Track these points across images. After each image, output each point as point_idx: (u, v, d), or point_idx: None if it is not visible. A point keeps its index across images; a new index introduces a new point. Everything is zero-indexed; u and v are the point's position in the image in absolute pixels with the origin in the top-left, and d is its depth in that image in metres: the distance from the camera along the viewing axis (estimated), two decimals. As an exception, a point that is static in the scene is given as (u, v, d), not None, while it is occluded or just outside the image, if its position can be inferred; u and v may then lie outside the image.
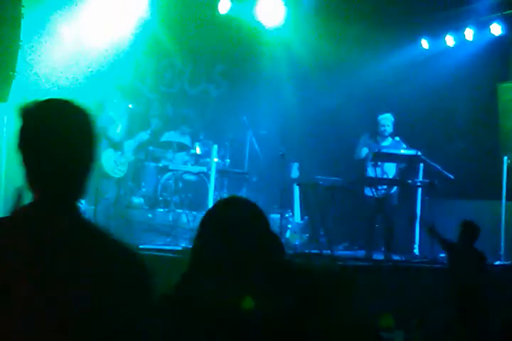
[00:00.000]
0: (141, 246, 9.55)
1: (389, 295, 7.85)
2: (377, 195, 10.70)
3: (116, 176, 11.12)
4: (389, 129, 11.19)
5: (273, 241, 3.14)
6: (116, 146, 11.07)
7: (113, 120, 11.07)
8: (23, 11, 8.50)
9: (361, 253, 10.58)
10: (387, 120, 11.20)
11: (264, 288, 2.94)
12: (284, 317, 2.92)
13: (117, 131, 11.11)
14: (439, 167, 10.72)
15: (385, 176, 10.86)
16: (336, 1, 12.33)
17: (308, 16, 12.31)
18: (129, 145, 11.37)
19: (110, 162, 10.94)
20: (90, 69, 11.13)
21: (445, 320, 4.88)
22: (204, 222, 3.13)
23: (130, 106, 11.41)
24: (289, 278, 3.09)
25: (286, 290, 3.01)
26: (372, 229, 10.64)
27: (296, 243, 11.03)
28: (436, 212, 10.64)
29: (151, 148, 11.81)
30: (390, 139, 11.20)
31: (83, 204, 10.97)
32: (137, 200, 11.58)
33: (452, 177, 10.71)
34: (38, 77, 10.81)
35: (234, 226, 3.03)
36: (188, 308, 2.90)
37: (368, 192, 10.91)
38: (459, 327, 4.78)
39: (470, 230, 8.09)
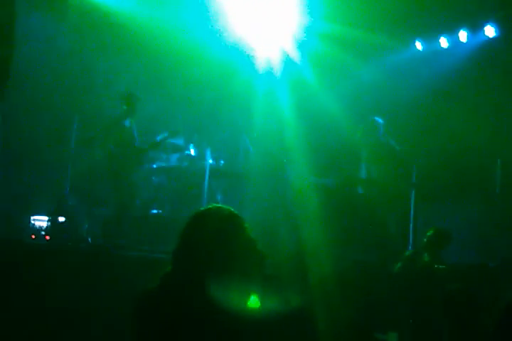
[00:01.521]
0: (135, 247, 9.59)
1: (383, 296, 7.84)
2: (370, 195, 10.71)
3: None
4: (381, 128, 11.22)
5: (251, 251, 3.15)
6: None
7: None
8: (17, 10, 8.47)
9: (355, 254, 10.57)
10: (376, 121, 11.24)
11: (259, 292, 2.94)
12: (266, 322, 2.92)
13: None
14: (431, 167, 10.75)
15: (377, 177, 10.87)
16: (330, 2, 12.33)
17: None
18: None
19: None
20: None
21: (439, 321, 4.89)
22: (184, 233, 3.26)
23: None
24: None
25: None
26: (365, 230, 10.64)
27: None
28: (430, 214, 10.65)
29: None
30: (381, 140, 11.21)
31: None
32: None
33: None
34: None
35: (209, 239, 3.11)
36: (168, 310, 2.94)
37: (361, 192, 10.93)
38: (451, 328, 4.79)
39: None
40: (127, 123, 10.31)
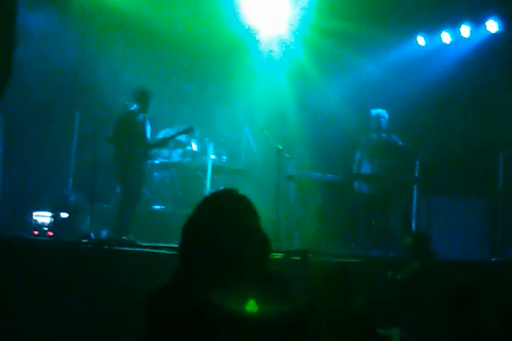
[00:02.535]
0: (138, 243, 9.59)
1: (385, 291, 7.85)
2: (372, 191, 10.73)
3: None
4: (384, 124, 11.22)
5: (261, 240, 3.06)
6: None
7: None
8: (19, 8, 8.48)
9: (357, 250, 10.58)
10: (379, 116, 11.23)
11: (252, 291, 2.90)
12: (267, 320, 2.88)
13: None
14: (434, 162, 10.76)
15: (380, 172, 10.88)
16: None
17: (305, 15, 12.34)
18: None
19: None
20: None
21: (442, 317, 4.89)
22: (192, 218, 3.03)
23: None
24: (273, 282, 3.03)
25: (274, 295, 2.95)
26: (368, 226, 10.65)
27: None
28: (433, 209, 10.65)
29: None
30: (384, 136, 11.22)
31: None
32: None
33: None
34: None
35: (222, 223, 2.94)
36: (177, 308, 2.89)
37: (363, 188, 10.94)
38: (454, 324, 4.79)
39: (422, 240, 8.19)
40: (140, 118, 10.33)
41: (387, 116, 11.24)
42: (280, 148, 10.40)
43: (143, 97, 10.36)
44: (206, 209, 3.01)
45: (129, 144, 10.13)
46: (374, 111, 11.30)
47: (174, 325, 2.85)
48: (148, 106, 10.39)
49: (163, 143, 10.87)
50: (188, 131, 10.81)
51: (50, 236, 10.39)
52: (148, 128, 10.44)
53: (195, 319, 2.82)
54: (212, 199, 3.08)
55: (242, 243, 2.93)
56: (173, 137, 10.84)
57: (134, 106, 10.34)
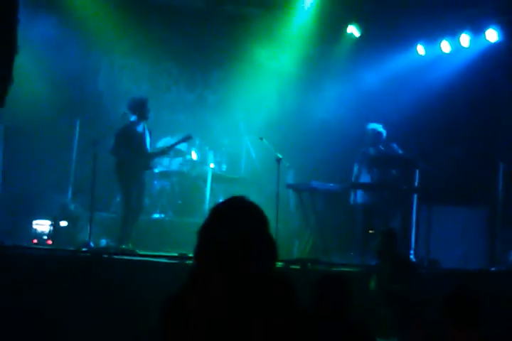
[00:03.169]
0: (138, 251, 9.58)
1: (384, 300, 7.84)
2: (371, 200, 10.73)
3: None
4: (380, 138, 11.24)
5: (271, 247, 3.11)
6: None
7: None
8: (19, 15, 8.49)
9: (356, 259, 10.56)
10: (374, 131, 11.25)
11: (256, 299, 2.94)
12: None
13: None
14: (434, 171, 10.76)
15: (380, 182, 10.88)
16: (332, 5, 12.37)
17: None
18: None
19: None
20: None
21: (441, 323, 4.87)
22: (205, 225, 3.10)
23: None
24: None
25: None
26: (366, 235, 10.64)
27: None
28: (433, 218, 10.64)
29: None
30: (382, 148, 11.23)
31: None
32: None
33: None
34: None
35: (232, 229, 2.99)
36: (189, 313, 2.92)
37: (363, 197, 10.94)
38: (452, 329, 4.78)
39: (389, 237, 8.11)
40: (140, 128, 10.33)
41: (383, 130, 11.24)
42: (280, 156, 10.41)
43: (140, 106, 10.35)
44: (218, 216, 3.07)
45: (130, 154, 10.13)
46: (369, 126, 11.31)
47: (190, 332, 2.90)
48: (147, 114, 10.38)
49: (164, 152, 10.85)
50: (187, 138, 10.80)
51: (49, 244, 10.38)
52: (148, 138, 10.44)
53: (211, 323, 2.88)
54: (224, 206, 3.14)
55: (252, 249, 2.99)
56: (173, 146, 10.83)
57: (133, 117, 10.34)
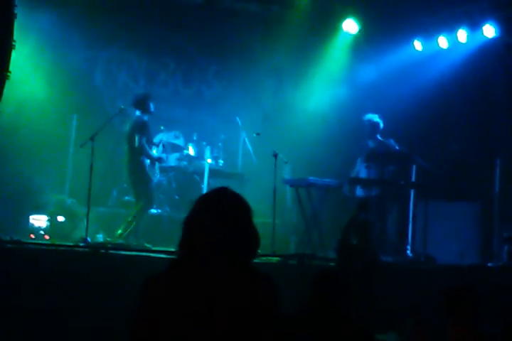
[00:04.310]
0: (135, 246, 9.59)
1: (383, 296, 7.85)
2: (369, 195, 10.73)
3: None
4: (377, 128, 11.24)
5: (255, 235, 3.19)
6: None
7: None
8: (16, 10, 8.47)
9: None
10: (371, 121, 11.24)
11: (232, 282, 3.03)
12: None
13: None
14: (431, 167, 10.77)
15: (377, 177, 10.89)
16: (328, 1, 12.37)
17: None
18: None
19: None
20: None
21: (439, 321, 4.88)
22: (190, 212, 3.23)
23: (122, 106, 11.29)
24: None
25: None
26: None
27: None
28: (430, 214, 10.66)
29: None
30: (380, 139, 11.23)
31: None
32: (132, 201, 11.56)
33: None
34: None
35: (216, 217, 3.12)
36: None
37: (360, 193, 10.95)
38: (449, 327, 4.79)
39: (364, 229, 8.09)
40: (145, 118, 10.44)
41: (380, 120, 11.24)
42: (277, 152, 10.41)
43: (143, 101, 10.45)
44: (202, 204, 3.21)
45: (146, 152, 10.35)
46: (366, 117, 11.31)
47: (167, 307, 3.02)
48: (150, 109, 10.48)
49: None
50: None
51: (46, 239, 10.38)
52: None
53: (188, 301, 2.99)
54: (208, 195, 3.29)
55: (234, 236, 3.09)
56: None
57: (137, 112, 10.39)
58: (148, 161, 10.44)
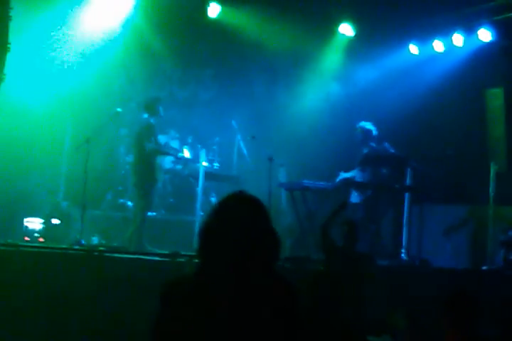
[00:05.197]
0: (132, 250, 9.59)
1: (377, 299, 7.85)
2: (363, 199, 10.75)
3: None
4: (370, 135, 11.25)
5: (274, 241, 3.17)
6: None
7: None
8: (11, 13, 8.48)
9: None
10: (363, 129, 11.25)
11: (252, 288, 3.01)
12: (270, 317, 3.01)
13: None
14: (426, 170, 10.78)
15: (372, 181, 10.91)
16: (325, 5, 12.37)
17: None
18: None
19: None
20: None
21: (435, 323, 4.89)
22: (209, 219, 3.18)
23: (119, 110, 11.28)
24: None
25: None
26: (359, 234, 10.65)
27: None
28: (424, 217, 10.67)
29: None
30: (374, 146, 11.24)
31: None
32: (126, 203, 11.58)
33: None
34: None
35: (236, 224, 3.09)
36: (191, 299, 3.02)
37: (355, 196, 10.96)
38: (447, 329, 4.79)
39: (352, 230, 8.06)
40: (152, 120, 10.46)
41: (372, 127, 11.23)
42: (272, 155, 10.41)
43: (153, 104, 10.53)
44: (221, 211, 3.17)
45: (162, 151, 10.62)
46: (358, 124, 11.31)
47: (185, 313, 3.01)
48: (159, 112, 10.54)
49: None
50: None
51: (41, 242, 10.37)
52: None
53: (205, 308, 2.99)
54: (227, 200, 3.24)
55: (254, 242, 3.06)
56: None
57: (145, 115, 10.44)
58: (157, 163, 10.53)
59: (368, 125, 11.24)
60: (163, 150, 10.72)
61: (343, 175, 11.31)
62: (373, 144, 11.24)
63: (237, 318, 2.97)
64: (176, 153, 11.31)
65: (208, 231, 3.15)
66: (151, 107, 10.48)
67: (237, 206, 3.16)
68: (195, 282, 3.06)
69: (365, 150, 11.25)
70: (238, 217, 3.11)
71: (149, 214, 11.39)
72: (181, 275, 3.15)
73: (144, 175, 10.32)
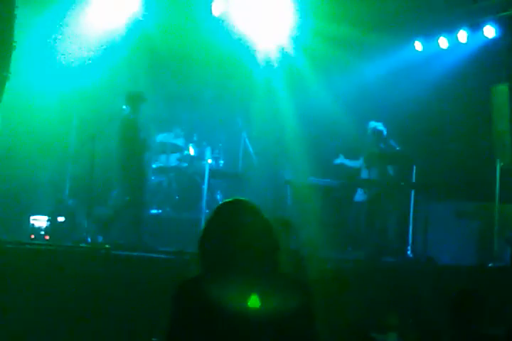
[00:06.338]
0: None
1: (383, 296, 7.85)
2: (369, 196, 10.74)
3: None
4: (381, 136, 11.24)
5: (275, 244, 3.24)
6: None
7: None
8: (17, 11, 8.47)
9: (354, 254, 10.58)
10: (375, 130, 11.24)
11: (266, 289, 3.06)
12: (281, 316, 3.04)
13: None
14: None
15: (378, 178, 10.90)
16: (330, 4, 12.33)
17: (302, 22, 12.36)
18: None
19: None
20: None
21: (440, 323, 4.89)
22: (209, 225, 3.26)
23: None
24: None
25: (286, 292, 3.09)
26: (365, 231, 10.65)
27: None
28: (430, 214, 10.66)
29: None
30: (383, 146, 11.23)
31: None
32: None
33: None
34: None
35: (238, 230, 3.18)
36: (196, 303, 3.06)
37: (360, 194, 10.95)
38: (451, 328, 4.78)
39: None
40: (138, 122, 10.39)
41: (383, 128, 11.23)
42: (277, 152, 10.41)
43: (134, 101, 10.39)
44: (220, 215, 3.27)
45: (134, 149, 10.23)
46: (370, 125, 11.29)
47: (198, 316, 3.05)
48: (140, 108, 10.41)
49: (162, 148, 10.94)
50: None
51: (47, 240, 10.38)
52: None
53: (215, 312, 3.03)
54: (226, 205, 3.33)
55: (252, 244, 3.15)
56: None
57: (129, 110, 10.36)
58: (146, 159, 10.42)
59: (380, 126, 11.24)
60: (147, 146, 10.54)
61: (344, 160, 11.32)
62: (382, 145, 11.23)
63: (249, 322, 3.02)
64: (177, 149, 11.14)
65: (208, 233, 3.23)
66: (132, 102, 10.40)
67: (233, 211, 3.26)
68: (206, 283, 3.11)
69: (373, 148, 11.24)
70: (236, 220, 3.21)
71: (154, 211, 11.40)
72: (190, 277, 3.17)
73: (128, 170, 10.25)
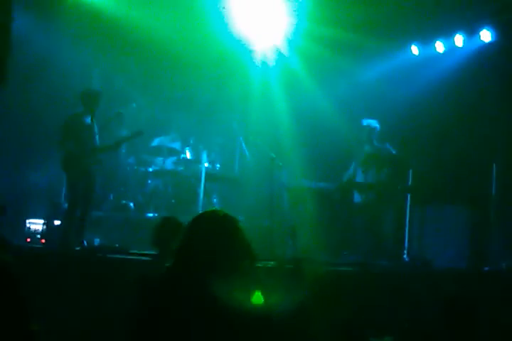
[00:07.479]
0: (131, 251, 9.58)
1: (379, 300, 7.85)
2: (365, 200, 10.75)
3: None
4: (375, 134, 11.24)
5: (244, 249, 3.57)
6: None
7: None
8: (13, 15, 8.48)
9: (351, 258, 10.58)
10: (370, 127, 11.24)
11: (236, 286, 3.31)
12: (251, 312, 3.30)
13: None
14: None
15: (374, 181, 10.90)
16: (327, 7, 12.34)
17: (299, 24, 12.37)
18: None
19: None
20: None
21: (436, 327, 4.89)
22: (188, 233, 3.65)
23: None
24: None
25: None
26: (361, 235, 10.65)
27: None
28: (425, 218, 10.66)
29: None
30: (377, 145, 11.23)
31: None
32: (128, 204, 11.58)
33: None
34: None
35: (209, 238, 3.53)
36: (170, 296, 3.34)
37: (357, 197, 10.96)
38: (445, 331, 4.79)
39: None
40: (88, 120, 10.17)
41: (378, 126, 11.24)
42: (274, 156, 10.41)
43: (89, 98, 10.19)
44: (198, 224, 3.66)
45: (78, 148, 9.96)
46: (365, 122, 11.31)
47: (161, 313, 3.36)
48: (96, 108, 10.21)
49: (115, 147, 10.60)
50: (137, 135, 10.61)
51: (42, 243, 10.37)
52: (96, 132, 10.24)
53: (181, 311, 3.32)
54: (197, 219, 3.70)
55: (228, 254, 3.51)
56: (122, 142, 10.71)
57: (81, 108, 10.20)
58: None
59: (374, 123, 11.25)
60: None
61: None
62: (376, 143, 11.25)
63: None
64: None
65: (184, 241, 3.63)
66: (86, 101, 10.13)
67: (207, 220, 3.63)
68: (167, 281, 3.43)
69: (368, 149, 11.24)
70: (208, 230, 3.57)
71: (150, 215, 11.39)
72: (151, 273, 3.44)
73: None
